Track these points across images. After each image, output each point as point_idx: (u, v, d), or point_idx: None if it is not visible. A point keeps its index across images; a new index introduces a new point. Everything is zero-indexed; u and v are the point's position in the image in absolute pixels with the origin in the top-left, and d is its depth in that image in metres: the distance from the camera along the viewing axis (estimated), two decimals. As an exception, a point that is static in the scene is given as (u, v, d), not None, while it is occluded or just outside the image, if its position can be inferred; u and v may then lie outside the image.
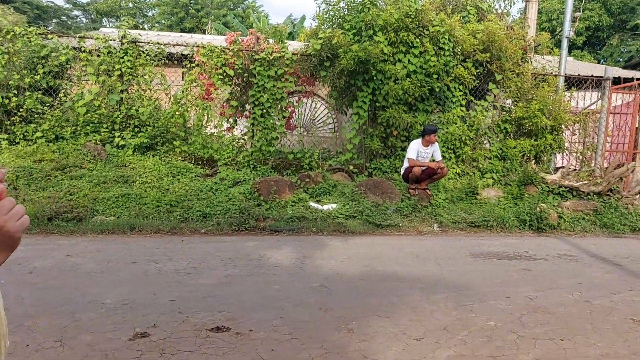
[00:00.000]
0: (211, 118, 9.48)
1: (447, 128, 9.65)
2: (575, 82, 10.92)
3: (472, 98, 10.05)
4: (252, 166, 9.24)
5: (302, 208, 7.65)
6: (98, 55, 9.05)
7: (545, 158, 10.35)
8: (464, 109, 9.91)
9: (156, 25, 38.58)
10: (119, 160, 8.57)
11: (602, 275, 5.25)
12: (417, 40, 9.37)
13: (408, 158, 8.41)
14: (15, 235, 0.98)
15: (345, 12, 9.55)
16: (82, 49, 8.96)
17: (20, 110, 8.71)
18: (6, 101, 8.68)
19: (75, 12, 39.76)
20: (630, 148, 11.00)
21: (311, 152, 9.55)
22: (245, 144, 9.72)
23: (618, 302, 4.36)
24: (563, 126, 10.16)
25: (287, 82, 9.50)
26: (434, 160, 8.57)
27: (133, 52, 9.11)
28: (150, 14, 41.50)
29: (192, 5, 36.88)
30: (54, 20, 36.81)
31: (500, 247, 6.48)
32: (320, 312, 3.79)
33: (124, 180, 7.91)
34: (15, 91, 8.76)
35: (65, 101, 9.05)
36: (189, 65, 9.43)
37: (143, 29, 34.27)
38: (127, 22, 9.40)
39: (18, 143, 8.63)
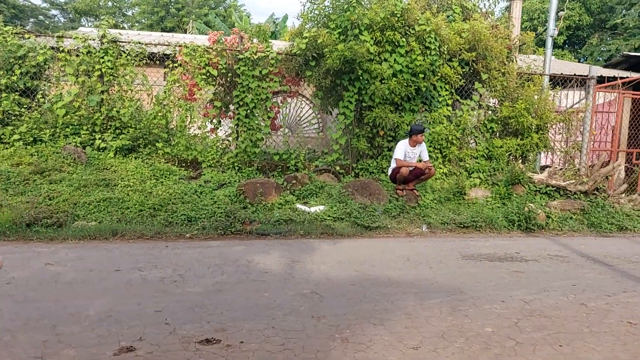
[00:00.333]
0: (194, 119, 9.29)
1: (434, 128, 9.60)
2: (559, 81, 10.95)
3: (459, 97, 10.01)
4: (237, 168, 9.08)
5: (289, 210, 7.52)
6: (77, 55, 8.80)
7: (532, 157, 10.36)
8: (450, 108, 9.87)
9: (136, 24, 38.04)
10: (100, 163, 8.34)
11: (595, 277, 5.21)
12: (403, 39, 9.29)
13: (395, 158, 8.33)
14: None
15: (330, 11, 9.43)
16: (61, 48, 8.70)
17: (-3, 112, 8.44)
18: (-18, 103, 8.40)
19: (53, 12, 39.01)
20: (614, 146, 11.06)
21: (297, 153, 9.42)
22: (230, 145, 9.55)
23: (613, 304, 4.31)
24: (549, 125, 10.16)
25: (272, 82, 9.35)
26: (421, 161, 8.51)
27: (113, 52, 8.87)
28: (130, 13, 40.92)
29: (172, 4, 36.44)
30: (31, 20, 36.06)
31: (490, 248, 6.42)
32: (312, 320, 3.67)
33: (105, 183, 7.70)
34: (-9, 92, 8.48)
35: (44, 103, 8.79)
36: (171, 65, 9.23)
37: (123, 28, 33.79)
38: (107, 21, 9.14)
39: (-6, 146, 8.35)
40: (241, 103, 9.20)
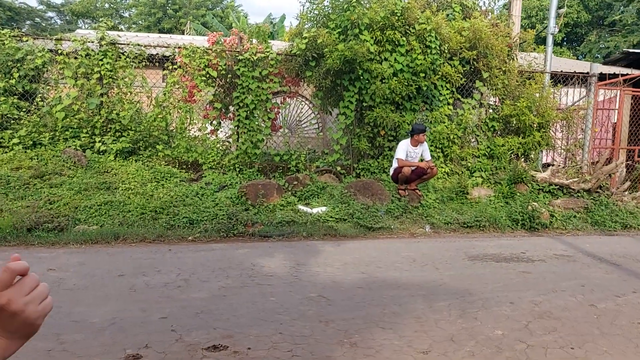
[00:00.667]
0: (195, 121, 9.24)
1: (435, 127, 9.55)
2: (560, 79, 10.91)
3: (460, 96, 9.96)
4: (238, 169, 9.02)
5: (291, 212, 7.47)
6: (76, 58, 8.74)
7: (534, 156, 10.31)
8: (451, 107, 9.82)
9: (133, 26, 37.94)
10: (101, 166, 8.27)
11: (603, 276, 5.17)
12: (404, 38, 9.24)
13: (397, 158, 8.28)
14: (35, 323, 0.84)
15: (330, 11, 9.38)
16: (59, 51, 8.63)
17: (-5, 116, 8.37)
18: (-20, 107, 8.33)
19: (50, 14, 38.90)
20: (615, 144, 11.03)
21: (298, 154, 9.36)
22: (230, 147, 9.49)
23: (623, 304, 4.27)
24: (550, 123, 10.12)
25: (272, 83, 9.30)
26: (423, 160, 8.46)
27: (112, 54, 8.81)
28: (127, 14, 40.81)
29: (170, 5, 36.34)
30: (28, 22, 35.96)
31: (495, 248, 6.38)
32: (320, 325, 3.62)
33: (106, 187, 7.64)
34: (-10, 96, 8.42)
35: (43, 106, 8.72)
36: (170, 67, 9.17)
37: (120, 30, 33.69)
38: (105, 23, 9.08)
39: (-7, 150, 8.29)
40: (241, 104, 9.14)
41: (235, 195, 7.72)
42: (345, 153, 9.54)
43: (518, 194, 8.66)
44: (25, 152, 8.22)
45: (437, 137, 9.51)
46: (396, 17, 9.15)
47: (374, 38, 9.13)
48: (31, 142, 8.40)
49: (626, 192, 9.29)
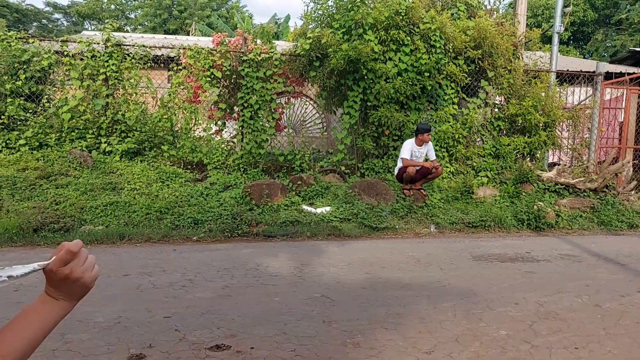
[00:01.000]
0: (199, 121, 9.26)
1: (440, 126, 9.53)
2: (566, 78, 10.86)
3: (465, 96, 9.94)
4: (242, 169, 9.04)
5: (295, 212, 7.48)
6: (82, 59, 8.78)
7: (540, 155, 10.27)
8: (456, 106, 9.79)
9: (139, 27, 38.08)
10: (106, 166, 8.32)
11: (608, 277, 5.14)
12: (408, 38, 9.23)
13: (402, 158, 8.27)
14: (90, 285, 1.07)
15: (334, 11, 9.39)
16: (65, 53, 8.68)
17: (2, 117, 8.42)
18: (-13, 108, 8.39)
19: (56, 15, 39.13)
20: (622, 143, 10.97)
21: (302, 154, 9.37)
22: (235, 147, 9.51)
23: (628, 304, 4.24)
24: (556, 122, 10.07)
25: (276, 83, 9.31)
26: (428, 160, 8.44)
27: (118, 56, 8.86)
28: (132, 16, 40.96)
29: (175, 6, 36.46)
30: (35, 24, 36.18)
31: (500, 248, 6.36)
32: (324, 325, 3.62)
33: (111, 187, 7.67)
34: (-4, 98, 8.48)
35: (49, 107, 8.77)
36: (175, 68, 9.20)
37: (126, 31, 33.80)
38: (110, 24, 9.12)
39: (0, 151, 8.34)
40: (245, 104, 9.16)
41: (240, 195, 7.73)
42: (349, 153, 9.54)
43: (524, 194, 8.63)
44: (32, 153, 8.27)
45: (442, 137, 9.49)
46: (400, 17, 9.14)
47: (378, 38, 9.12)
48: (37, 143, 8.45)
49: (633, 192, 9.24)
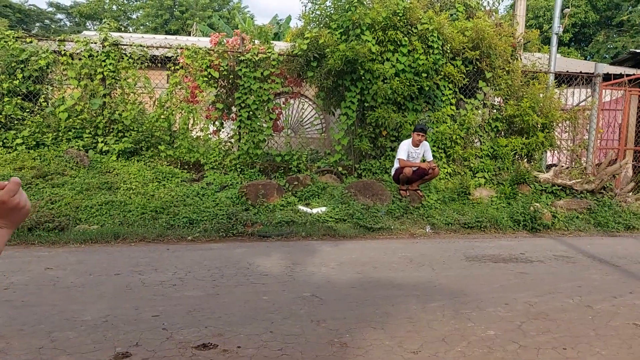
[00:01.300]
0: (197, 121, 9.26)
1: (437, 127, 9.51)
2: (565, 79, 10.84)
3: (462, 96, 9.92)
4: (239, 170, 9.04)
5: (290, 212, 7.47)
6: (79, 59, 8.80)
7: (537, 156, 10.24)
8: (454, 107, 9.77)
9: (141, 27, 38.15)
10: (103, 166, 8.32)
11: (601, 278, 5.12)
12: (406, 38, 9.22)
13: (398, 159, 8.26)
14: (28, 213, 1.25)
15: (332, 11, 9.38)
16: (63, 52, 8.69)
17: (-1, 116, 8.44)
18: (-16, 107, 8.40)
19: (59, 16, 39.23)
20: (621, 145, 10.94)
21: (299, 154, 9.36)
22: (232, 147, 9.51)
23: (619, 306, 4.23)
24: (554, 124, 10.05)
25: (274, 84, 9.30)
26: (425, 161, 8.43)
27: (115, 55, 8.86)
28: (134, 16, 41.04)
29: (176, 7, 36.51)
30: (37, 24, 36.28)
31: (495, 249, 6.34)
32: (312, 324, 3.61)
33: (107, 187, 7.68)
34: (-6, 97, 8.49)
35: (46, 106, 8.79)
36: (173, 68, 9.21)
37: (127, 31, 33.87)
38: (108, 24, 9.13)
39: (-3, 150, 8.35)
40: (243, 105, 9.16)
41: (236, 195, 7.73)
42: (347, 153, 9.53)
43: (520, 195, 8.61)
44: (29, 152, 8.28)
45: (439, 138, 9.47)
46: (398, 17, 9.13)
47: (376, 38, 9.12)
48: (34, 143, 8.46)
49: (630, 193, 9.21)
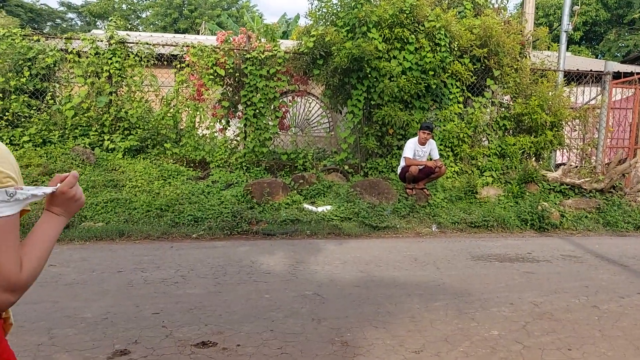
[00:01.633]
0: (203, 119, 9.25)
1: (445, 125, 9.44)
2: (574, 77, 10.71)
3: (470, 94, 9.83)
4: (245, 168, 9.02)
5: (296, 210, 7.44)
6: (86, 57, 8.82)
7: (546, 155, 10.13)
8: (461, 105, 9.69)
9: (150, 26, 38.30)
10: (109, 164, 8.33)
11: (609, 278, 5.04)
12: (413, 36, 9.15)
13: (404, 157, 8.19)
14: (82, 204, 1.39)
15: (339, 9, 9.33)
16: (69, 50, 8.72)
17: (6, 114, 8.46)
18: (-8, 105, 8.45)
19: (70, 15, 39.48)
20: (631, 143, 10.80)
21: (305, 153, 9.32)
22: (238, 145, 9.49)
23: (627, 306, 4.15)
24: (563, 122, 9.93)
25: (280, 82, 9.27)
26: (431, 159, 8.36)
27: (121, 53, 8.87)
28: (144, 15, 41.20)
29: (185, 6, 36.61)
30: (49, 23, 36.52)
31: (501, 248, 6.27)
32: (313, 323, 3.57)
33: (113, 184, 7.69)
34: (1, 94, 8.51)
35: (53, 104, 8.81)
36: (179, 66, 9.20)
37: (137, 30, 34.00)
38: (115, 22, 9.14)
39: (4, 148, 8.37)
40: (249, 103, 9.14)
41: (241, 193, 7.71)
42: (353, 152, 9.48)
43: (528, 194, 8.52)
44: (35, 149, 8.30)
45: (446, 136, 9.40)
46: (405, 15, 9.06)
47: (383, 36, 9.05)
48: (41, 140, 8.49)
49: (640, 193, 9.08)
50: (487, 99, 9.92)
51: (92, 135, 8.70)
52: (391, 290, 4.34)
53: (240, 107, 9.48)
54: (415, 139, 8.27)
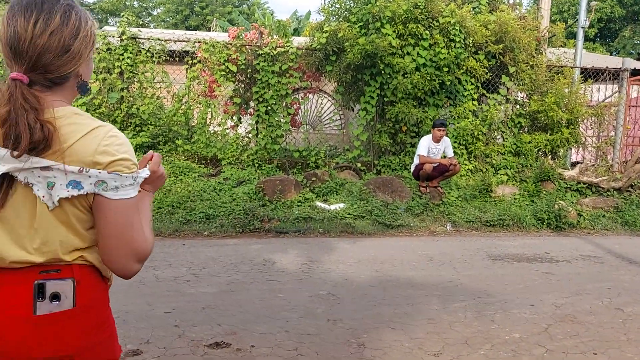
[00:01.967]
0: (214, 116, 9.19)
1: (459, 123, 9.30)
2: (591, 74, 10.52)
3: (485, 91, 9.67)
4: (256, 165, 8.94)
5: (308, 208, 7.35)
6: (98, 53, 8.78)
7: (562, 153, 9.96)
8: (476, 102, 9.54)
9: (161, 23, 38.37)
10: (120, 160, 8.28)
11: (632, 279, 4.90)
12: (427, 32, 9.02)
13: (418, 155, 8.08)
14: (165, 181, 1.50)
15: (352, 5, 9.22)
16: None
17: (18, 110, 8.45)
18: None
19: (83, 12, 39.59)
20: (649, 141, 10.60)
21: (317, 150, 9.23)
22: (250, 142, 9.42)
23: (652, 309, 4.03)
24: (580, 120, 9.75)
25: (292, 78, 9.18)
26: (445, 157, 8.23)
27: (133, 49, 8.83)
28: (155, 12, 41.30)
29: (197, 3, 36.63)
30: (60, 20, 36.64)
31: (518, 248, 6.14)
32: (328, 324, 3.49)
33: (124, 181, 7.63)
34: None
35: (64, 100, 8.78)
36: (190, 62, 9.14)
37: (148, 27, 34.07)
38: (126, 18, 9.10)
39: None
40: (261, 99, 9.06)
41: (253, 190, 7.64)
42: (366, 149, 9.37)
43: (544, 192, 8.37)
44: (47, 146, 8.27)
45: (460, 134, 9.26)
46: (419, 10, 8.93)
47: (396, 32, 8.92)
48: (52, 137, 8.45)
49: (659, 192, 8.89)
50: (502, 96, 9.75)
51: (104, 131, 8.66)
52: (408, 291, 4.24)
53: (252, 103, 9.40)
54: (429, 136, 8.15)
